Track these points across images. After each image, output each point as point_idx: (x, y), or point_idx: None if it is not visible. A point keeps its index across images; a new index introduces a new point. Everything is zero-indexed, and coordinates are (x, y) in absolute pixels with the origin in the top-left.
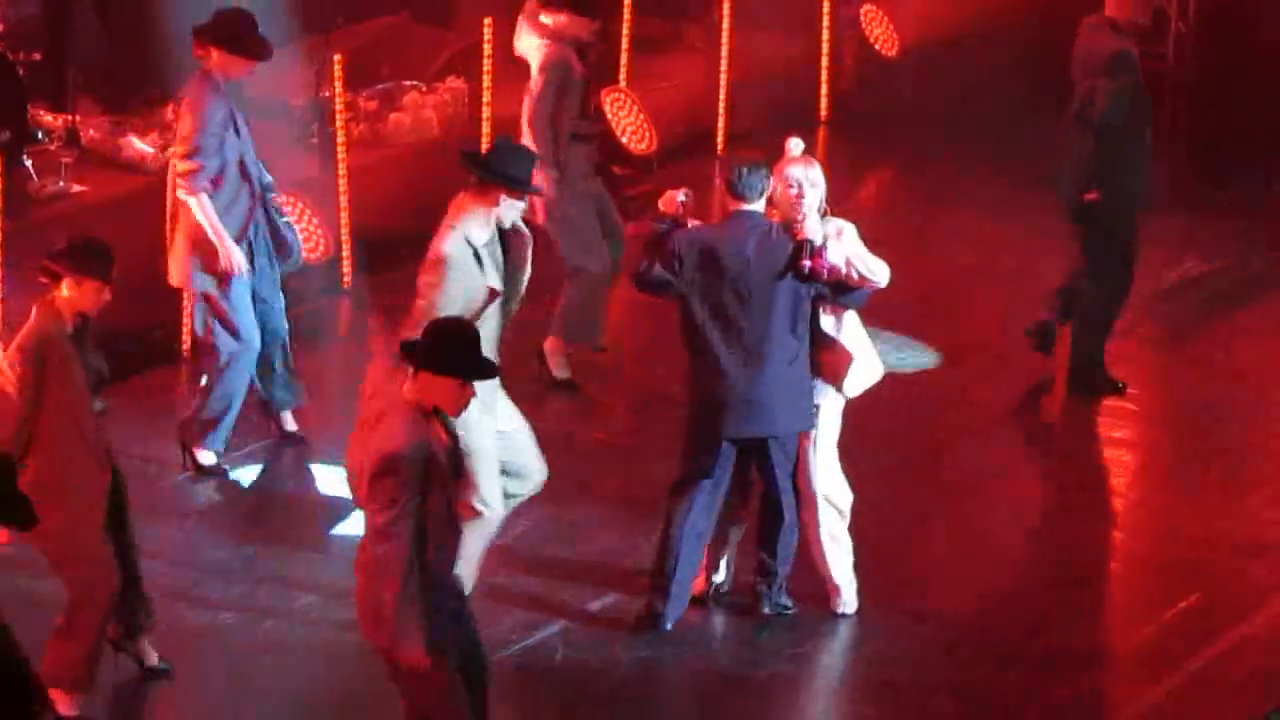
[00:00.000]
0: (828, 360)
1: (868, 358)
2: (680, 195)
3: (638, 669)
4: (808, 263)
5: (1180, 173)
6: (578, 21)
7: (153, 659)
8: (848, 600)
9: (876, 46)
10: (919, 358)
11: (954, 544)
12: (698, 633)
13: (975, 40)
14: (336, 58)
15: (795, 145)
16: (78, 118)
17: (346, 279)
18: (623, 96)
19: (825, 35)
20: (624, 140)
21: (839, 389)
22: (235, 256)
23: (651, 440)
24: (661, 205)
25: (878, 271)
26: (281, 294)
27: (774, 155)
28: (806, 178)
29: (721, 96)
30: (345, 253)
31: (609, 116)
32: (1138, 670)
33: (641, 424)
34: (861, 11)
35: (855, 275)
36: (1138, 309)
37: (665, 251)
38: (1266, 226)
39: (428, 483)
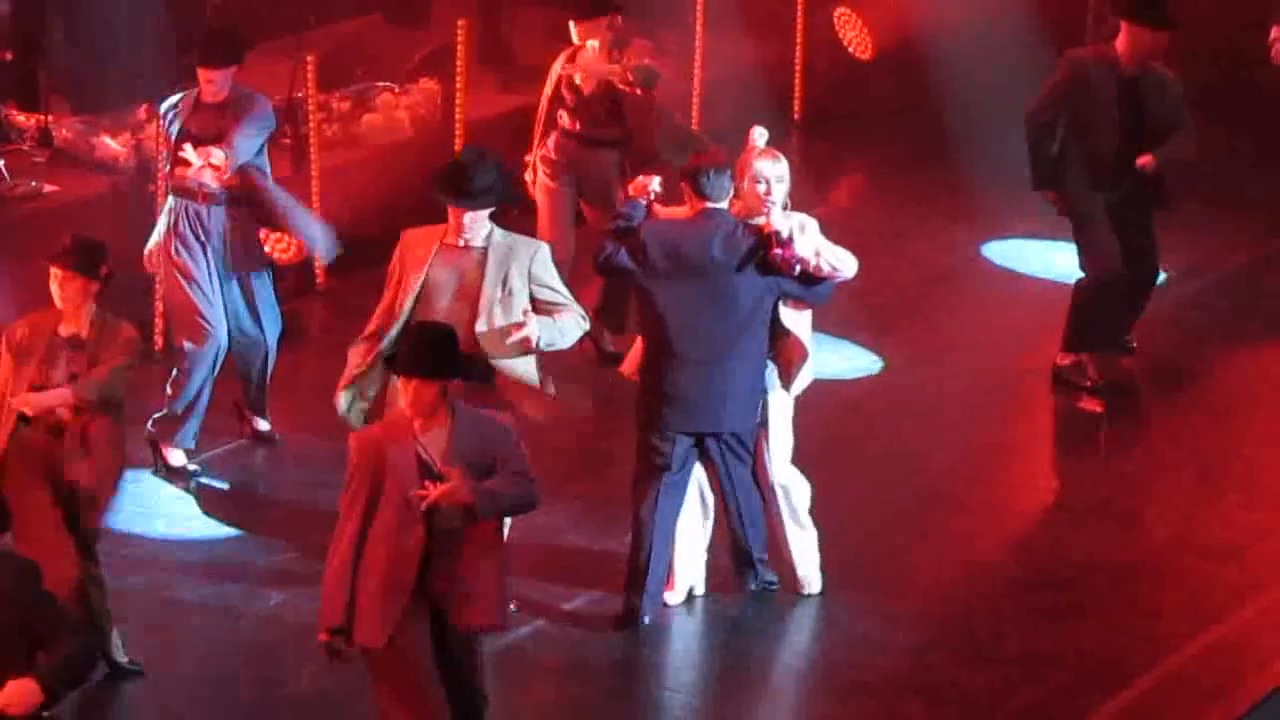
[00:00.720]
0: (782, 353)
1: (812, 356)
2: (653, 183)
3: (613, 666)
4: (779, 252)
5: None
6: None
7: (122, 657)
8: (809, 579)
9: (850, 49)
10: (863, 362)
11: (924, 547)
12: (672, 630)
13: (949, 44)
14: (309, 58)
15: (759, 135)
16: (50, 118)
17: (319, 280)
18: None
19: (799, 38)
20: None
21: (786, 383)
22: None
23: (622, 444)
24: (632, 190)
25: (845, 262)
26: (249, 300)
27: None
28: (774, 173)
29: (695, 99)
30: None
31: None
32: (1109, 673)
33: (612, 428)
34: (835, 14)
35: (825, 267)
36: None
37: (632, 240)
38: (1237, 232)
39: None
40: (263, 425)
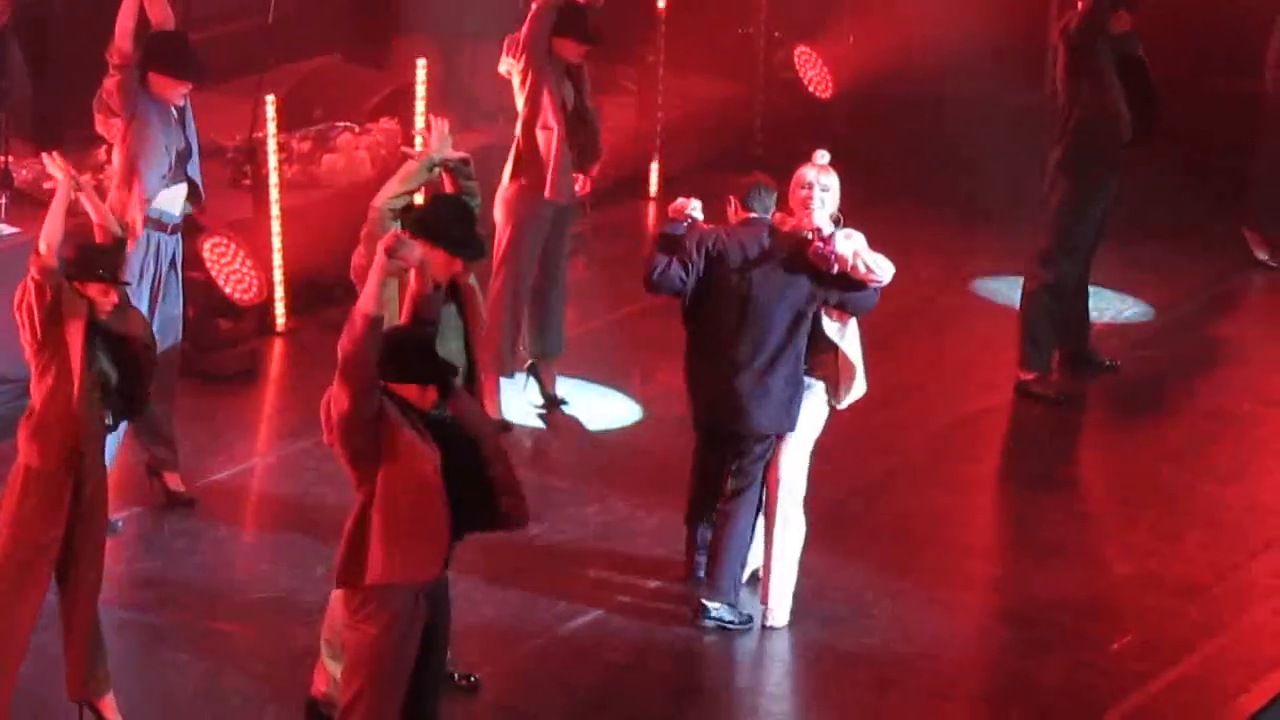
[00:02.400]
0: (828, 368)
1: (861, 370)
2: (692, 207)
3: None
4: (819, 245)
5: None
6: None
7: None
8: (778, 615)
9: (811, 88)
10: (818, 400)
11: (885, 583)
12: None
13: (909, 82)
14: (269, 98)
15: (820, 155)
16: (10, 159)
17: (280, 320)
18: (809, 52)
19: (759, 77)
20: (810, 88)
21: (834, 397)
22: None
23: (586, 483)
24: (671, 212)
25: (883, 268)
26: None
27: (707, 193)
28: (819, 181)
29: (656, 138)
30: (279, 294)
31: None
32: (1069, 711)
33: (573, 467)
34: (796, 53)
35: (862, 269)
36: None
37: (683, 250)
38: (1198, 270)
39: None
40: (176, 485)
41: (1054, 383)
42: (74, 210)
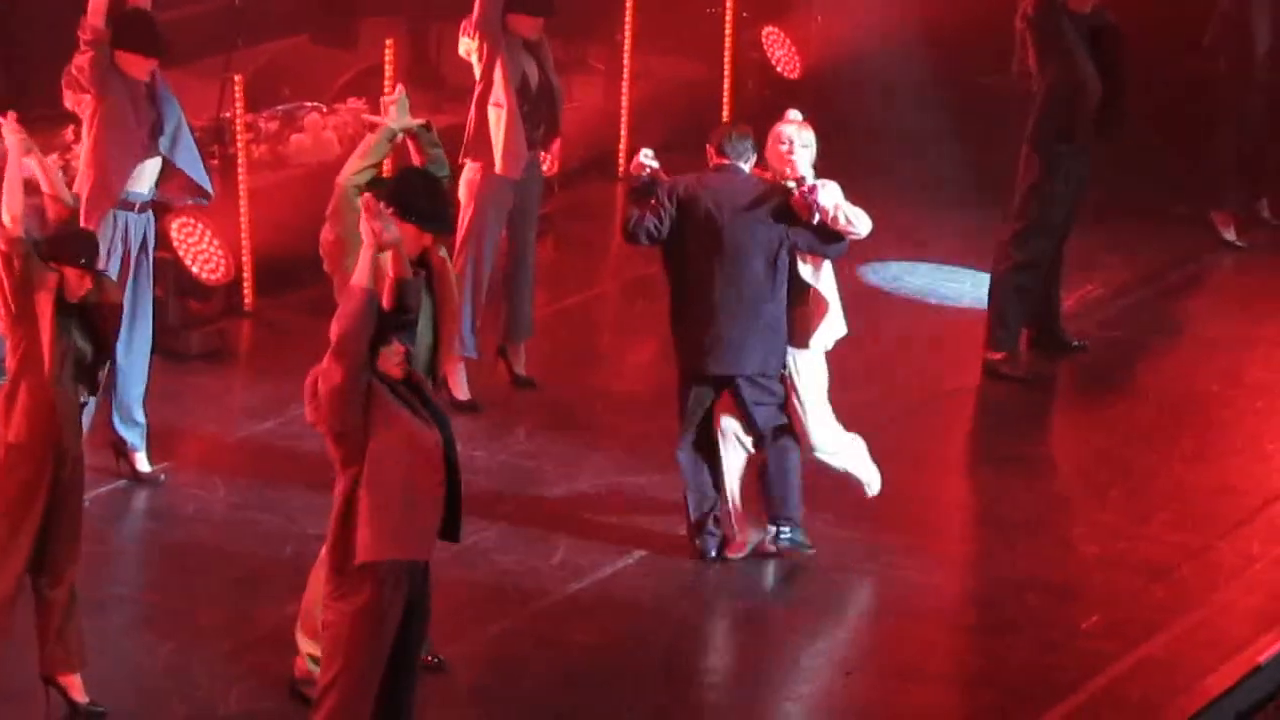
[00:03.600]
0: (800, 309)
1: (838, 308)
2: (643, 155)
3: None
4: (804, 190)
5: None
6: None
7: (83, 698)
8: (870, 483)
9: (778, 68)
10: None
11: (852, 564)
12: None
13: (878, 63)
14: (236, 78)
15: (794, 113)
16: None
17: (248, 300)
18: (777, 32)
19: (727, 57)
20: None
21: (801, 339)
22: None
23: (550, 464)
24: (632, 169)
25: (860, 221)
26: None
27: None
28: (798, 137)
29: (623, 117)
30: (246, 274)
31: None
32: (1037, 691)
33: (542, 447)
34: (763, 33)
35: (842, 220)
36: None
37: (654, 201)
38: (1164, 251)
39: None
40: (143, 465)
41: (1022, 363)
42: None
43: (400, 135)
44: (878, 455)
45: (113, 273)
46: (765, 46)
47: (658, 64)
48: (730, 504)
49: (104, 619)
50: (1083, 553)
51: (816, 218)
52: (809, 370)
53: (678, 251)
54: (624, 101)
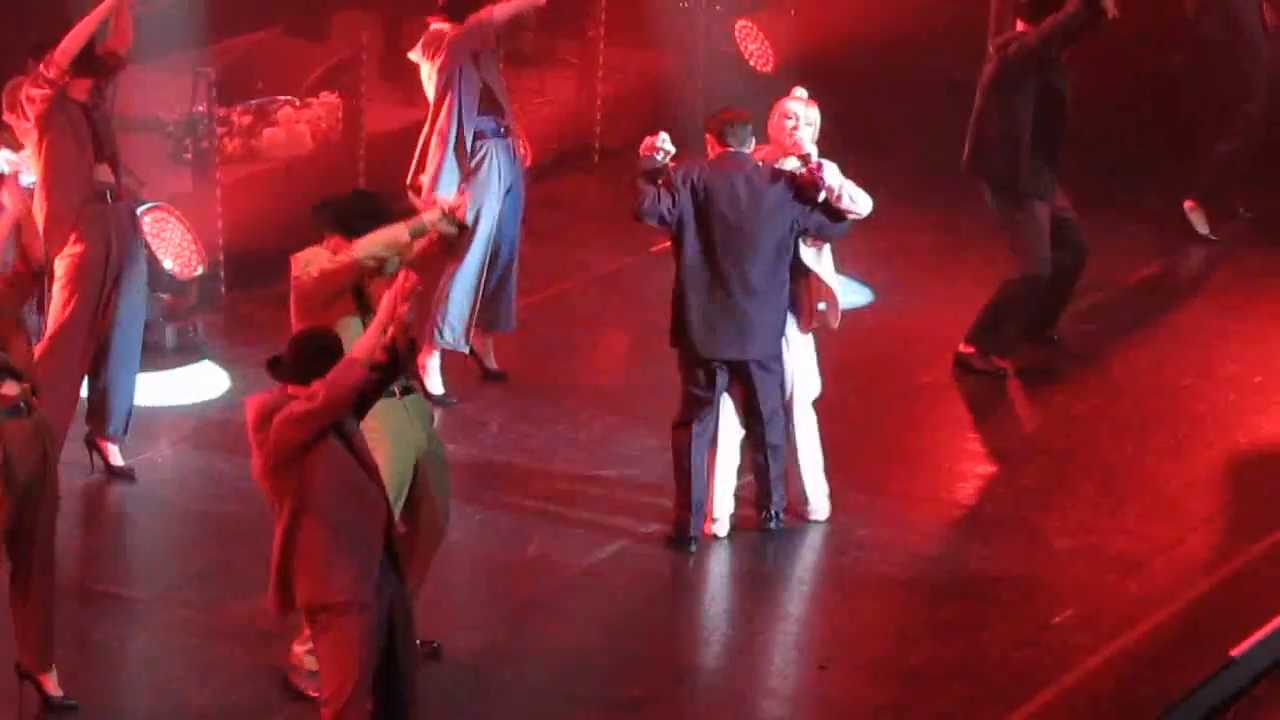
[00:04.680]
0: (804, 292)
1: (838, 294)
2: (660, 140)
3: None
4: (812, 166)
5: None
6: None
7: (56, 691)
8: (818, 507)
9: (751, 62)
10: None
11: (824, 558)
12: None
13: (850, 56)
14: (209, 72)
15: (799, 90)
16: None
17: (222, 294)
18: (750, 26)
19: (700, 51)
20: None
21: (803, 322)
22: None
23: (523, 457)
24: (642, 150)
25: (861, 201)
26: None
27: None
28: (804, 114)
29: (597, 111)
30: (220, 268)
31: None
32: (1010, 685)
33: (513, 441)
34: (736, 27)
35: (846, 200)
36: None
37: (666, 183)
38: (1138, 244)
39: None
40: (116, 457)
41: (992, 359)
42: None
43: (429, 230)
44: (849, 452)
45: (98, 275)
46: (738, 40)
47: (631, 58)
48: (720, 486)
49: (76, 612)
50: (1055, 547)
51: (822, 195)
52: (803, 347)
53: (686, 237)
54: (597, 96)
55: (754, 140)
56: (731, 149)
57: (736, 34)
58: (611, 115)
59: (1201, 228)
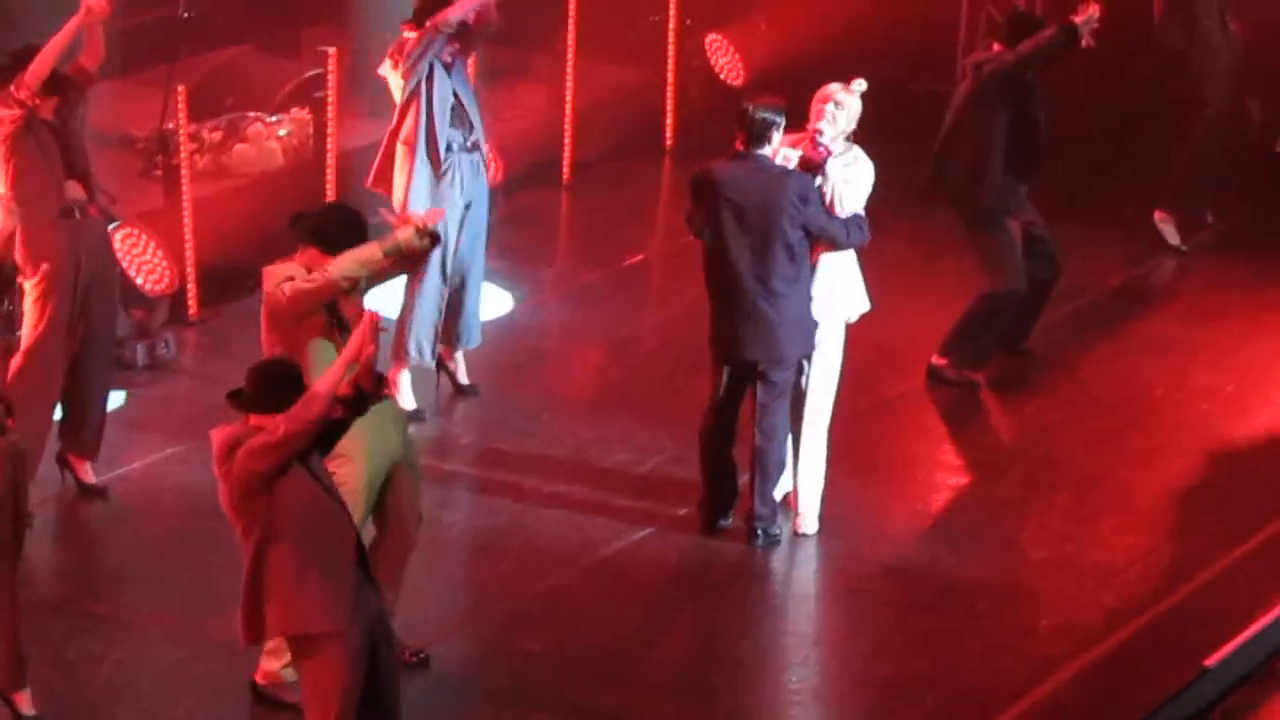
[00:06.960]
0: (822, 290)
1: (861, 284)
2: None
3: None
4: (818, 137)
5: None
6: None
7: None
8: (808, 521)
9: (722, 75)
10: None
11: (799, 570)
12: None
13: (821, 69)
14: (180, 88)
15: (858, 82)
16: None
17: (192, 311)
18: (721, 39)
19: (671, 64)
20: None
21: (832, 312)
22: None
23: (497, 472)
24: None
25: (848, 202)
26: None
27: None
28: (843, 97)
29: (567, 125)
30: (190, 284)
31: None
32: (984, 695)
33: (486, 455)
34: (707, 40)
35: (830, 193)
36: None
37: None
38: (1113, 253)
39: None
40: (88, 474)
41: (964, 371)
42: None
43: (404, 248)
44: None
45: (68, 290)
46: (708, 53)
47: (601, 71)
48: (804, 485)
49: (50, 629)
50: (1030, 556)
51: (819, 179)
52: (828, 349)
53: (708, 239)
54: (568, 109)
55: (778, 136)
56: (755, 149)
57: (706, 47)
58: (582, 129)
59: (1172, 239)
